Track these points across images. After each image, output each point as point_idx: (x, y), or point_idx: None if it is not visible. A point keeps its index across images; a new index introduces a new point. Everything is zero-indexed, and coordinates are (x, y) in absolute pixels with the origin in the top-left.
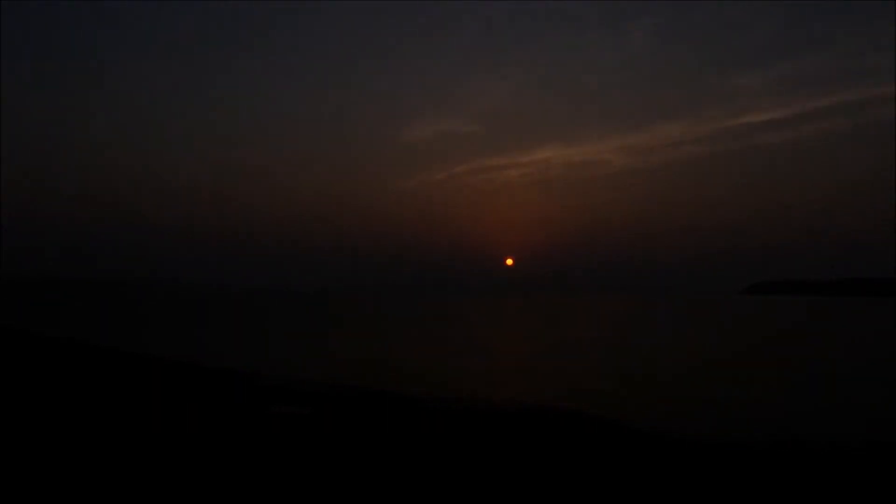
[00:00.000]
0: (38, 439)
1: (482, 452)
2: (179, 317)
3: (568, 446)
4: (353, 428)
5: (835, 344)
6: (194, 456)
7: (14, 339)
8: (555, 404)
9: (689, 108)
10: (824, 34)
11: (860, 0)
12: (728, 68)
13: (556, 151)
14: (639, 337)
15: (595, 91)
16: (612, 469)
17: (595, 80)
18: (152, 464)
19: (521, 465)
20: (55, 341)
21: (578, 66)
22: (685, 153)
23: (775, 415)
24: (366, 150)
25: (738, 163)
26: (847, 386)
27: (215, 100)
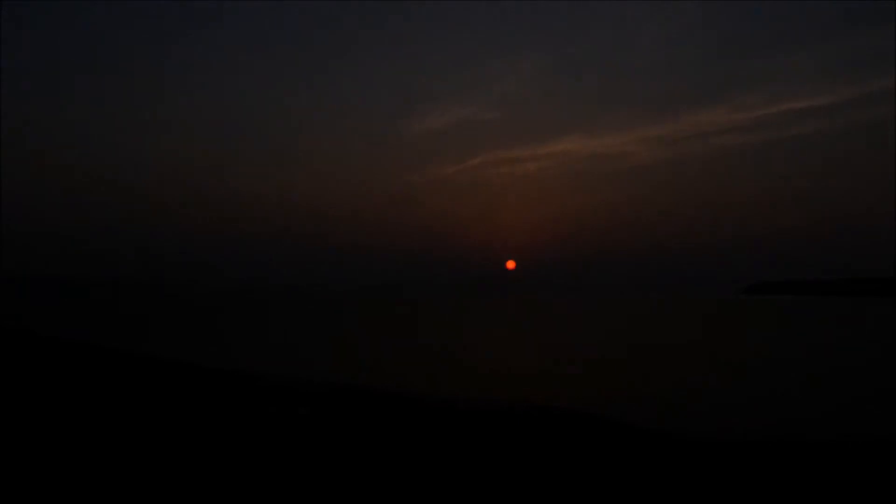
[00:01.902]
0: (39, 439)
1: (484, 452)
2: (180, 317)
3: (571, 446)
4: (352, 428)
5: (835, 344)
6: (194, 456)
7: (13, 339)
8: (557, 404)
9: (726, 92)
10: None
11: None
12: (778, 46)
13: (579, 143)
14: (639, 337)
15: (627, 74)
16: (617, 468)
17: (628, 61)
18: (152, 464)
19: (523, 465)
20: (55, 341)
21: (613, 45)
22: (715, 145)
23: (777, 414)
24: (371, 142)
25: (769, 155)
26: (847, 385)
27: (214, 94)
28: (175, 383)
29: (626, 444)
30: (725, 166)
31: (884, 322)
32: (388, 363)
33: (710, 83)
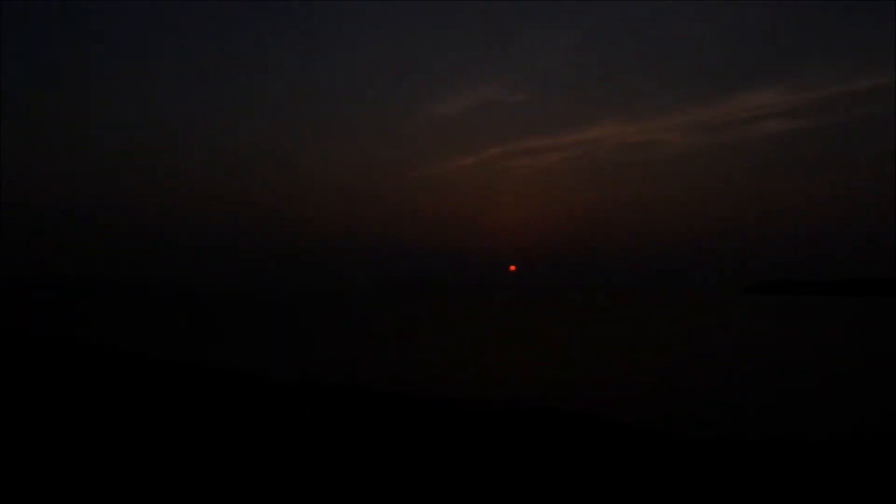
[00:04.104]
0: (40, 439)
1: (485, 453)
2: (181, 318)
3: (571, 446)
4: (353, 428)
5: (834, 344)
6: (195, 456)
7: (12, 340)
8: (557, 404)
9: (785, 71)
10: None
11: None
12: (847, 15)
13: (611, 129)
14: (640, 337)
15: (670, 50)
16: (617, 469)
17: (671, 35)
18: (153, 464)
19: (523, 466)
20: (54, 341)
21: (657, 19)
22: (763, 131)
23: (777, 414)
24: (385, 130)
25: (827, 141)
26: (847, 384)
27: (216, 90)
28: (176, 383)
29: (626, 444)
30: (770, 156)
31: (884, 322)
32: (389, 363)
33: (766, 59)
